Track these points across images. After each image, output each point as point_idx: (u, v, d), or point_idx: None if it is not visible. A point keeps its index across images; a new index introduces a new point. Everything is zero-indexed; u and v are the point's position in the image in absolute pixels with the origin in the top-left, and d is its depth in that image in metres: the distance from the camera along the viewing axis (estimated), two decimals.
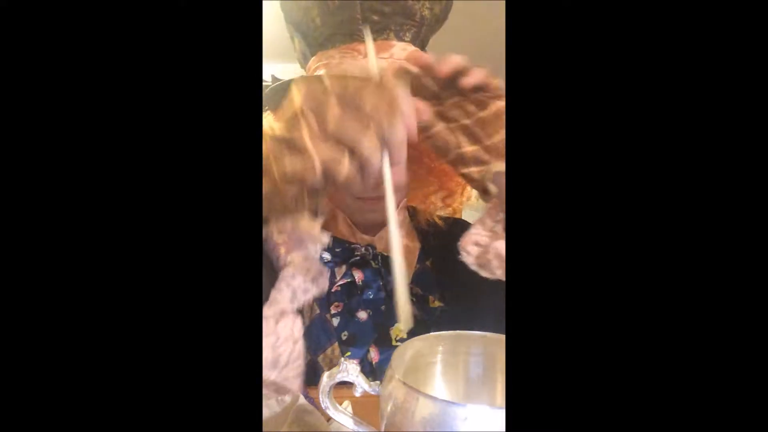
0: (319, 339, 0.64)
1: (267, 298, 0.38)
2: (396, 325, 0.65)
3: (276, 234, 0.39)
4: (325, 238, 0.40)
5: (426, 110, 0.35)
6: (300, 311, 0.38)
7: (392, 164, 0.33)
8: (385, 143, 0.32)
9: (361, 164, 0.31)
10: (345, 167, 0.31)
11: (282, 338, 0.36)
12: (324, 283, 0.39)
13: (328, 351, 0.63)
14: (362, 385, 0.34)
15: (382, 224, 0.73)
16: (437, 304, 0.68)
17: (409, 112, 0.32)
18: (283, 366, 0.36)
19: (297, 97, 0.33)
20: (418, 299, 0.67)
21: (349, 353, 0.63)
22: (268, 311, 0.37)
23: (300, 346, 0.38)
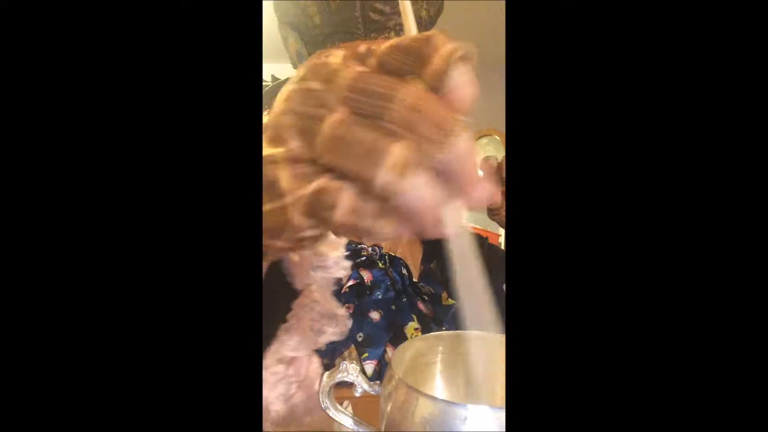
0: (335, 342, 0.64)
1: (278, 326, 0.33)
2: (410, 323, 0.66)
3: (291, 253, 0.34)
4: (346, 262, 0.34)
5: (496, 192, 0.23)
6: (319, 352, 0.32)
7: (462, 200, 0.21)
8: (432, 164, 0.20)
9: (380, 195, 0.20)
10: (341, 206, 0.20)
11: (296, 383, 0.31)
12: (341, 326, 0.34)
13: (345, 354, 0.63)
14: (362, 385, 0.34)
15: None
16: (450, 301, 0.68)
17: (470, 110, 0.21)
18: (303, 416, 0.30)
19: (281, 96, 0.22)
20: (430, 298, 0.67)
21: (366, 354, 0.63)
22: (273, 355, 0.32)
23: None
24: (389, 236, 0.20)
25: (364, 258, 0.68)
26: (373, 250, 0.69)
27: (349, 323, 0.34)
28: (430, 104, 0.19)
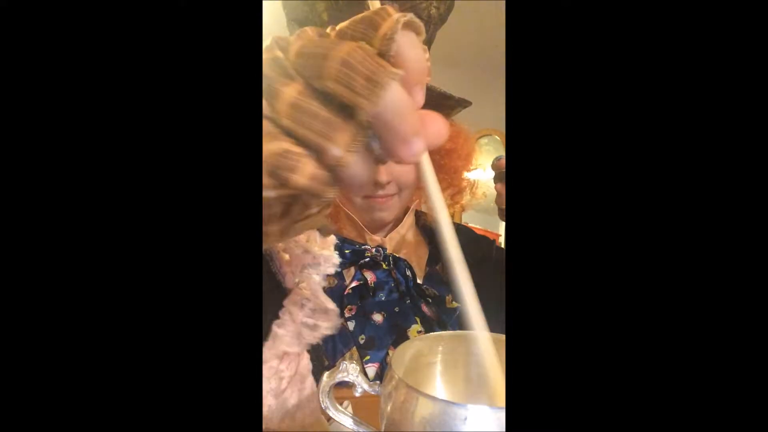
0: (336, 344, 0.63)
1: (271, 324, 0.34)
2: (413, 326, 0.65)
3: (281, 252, 0.36)
4: (336, 260, 0.34)
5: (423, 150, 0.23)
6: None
7: (392, 153, 0.22)
8: (373, 128, 0.21)
9: (330, 165, 0.22)
10: (301, 170, 0.21)
11: (287, 378, 0.32)
12: (334, 320, 0.34)
13: (347, 356, 0.62)
14: (362, 385, 0.34)
15: (394, 224, 0.72)
16: (455, 304, 0.67)
17: (414, 71, 0.22)
18: (295, 411, 0.32)
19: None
20: (434, 300, 0.67)
21: (368, 357, 0.62)
22: (269, 351, 0.34)
23: (310, 383, 0.34)
24: (330, 199, 0.23)
25: (367, 259, 0.67)
26: (377, 251, 0.68)
27: (339, 317, 0.34)
28: (359, 58, 0.21)
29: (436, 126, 0.23)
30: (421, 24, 0.22)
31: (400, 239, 0.73)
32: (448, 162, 0.69)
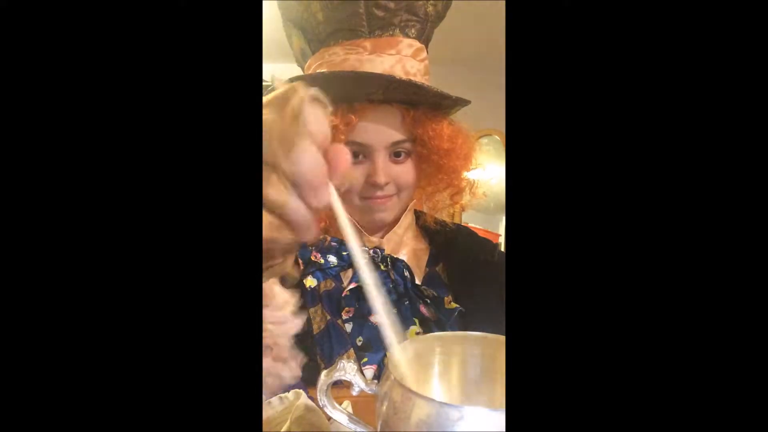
0: (333, 346, 0.62)
1: None
2: (411, 327, 0.64)
3: None
4: (298, 321, 0.34)
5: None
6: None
7: (307, 202, 0.26)
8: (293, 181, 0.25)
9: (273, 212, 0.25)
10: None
11: None
12: (296, 372, 0.35)
13: (344, 357, 0.62)
14: (359, 384, 0.34)
15: (391, 224, 0.72)
16: (453, 305, 0.67)
17: (318, 134, 0.26)
18: None
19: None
20: (433, 301, 0.66)
21: (366, 359, 0.62)
22: None
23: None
24: (287, 242, 0.26)
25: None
26: (375, 252, 0.67)
27: (299, 373, 0.35)
28: (274, 128, 0.25)
29: (340, 157, 0.27)
30: (325, 99, 0.27)
31: (398, 240, 0.73)
32: (447, 162, 0.69)
